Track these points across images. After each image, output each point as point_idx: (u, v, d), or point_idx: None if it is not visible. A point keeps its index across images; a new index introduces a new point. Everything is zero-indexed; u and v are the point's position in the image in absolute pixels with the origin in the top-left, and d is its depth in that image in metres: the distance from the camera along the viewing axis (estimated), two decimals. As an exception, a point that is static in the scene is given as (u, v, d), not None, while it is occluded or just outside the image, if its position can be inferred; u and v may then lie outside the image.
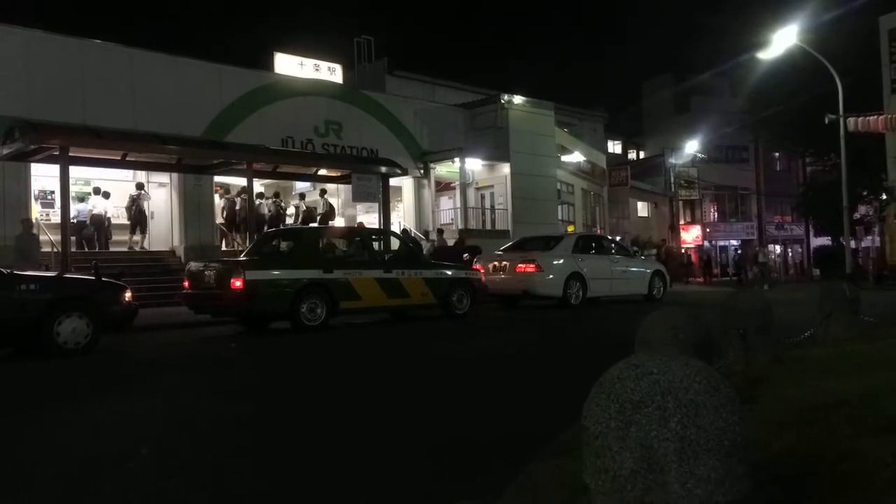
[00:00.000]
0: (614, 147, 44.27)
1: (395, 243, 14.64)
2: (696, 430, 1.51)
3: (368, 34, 27.94)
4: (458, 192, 24.06)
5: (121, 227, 17.94)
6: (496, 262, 14.50)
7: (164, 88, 17.85)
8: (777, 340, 5.44)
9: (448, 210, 25.16)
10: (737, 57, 30.46)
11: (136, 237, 17.60)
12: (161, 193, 18.97)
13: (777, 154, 44.52)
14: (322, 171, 18.81)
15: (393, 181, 19.90)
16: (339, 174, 19.00)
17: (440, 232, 20.64)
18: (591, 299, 14.44)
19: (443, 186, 25.06)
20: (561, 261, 14.21)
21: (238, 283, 9.83)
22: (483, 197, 25.81)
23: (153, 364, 7.81)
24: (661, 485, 1.51)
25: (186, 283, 10.90)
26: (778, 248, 45.59)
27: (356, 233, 14.10)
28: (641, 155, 46.42)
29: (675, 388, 1.56)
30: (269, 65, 22.09)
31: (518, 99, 25.25)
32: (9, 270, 7.85)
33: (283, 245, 12.07)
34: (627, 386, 1.60)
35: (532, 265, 13.91)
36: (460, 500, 2.75)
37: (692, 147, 39.35)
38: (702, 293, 20.75)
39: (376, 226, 19.26)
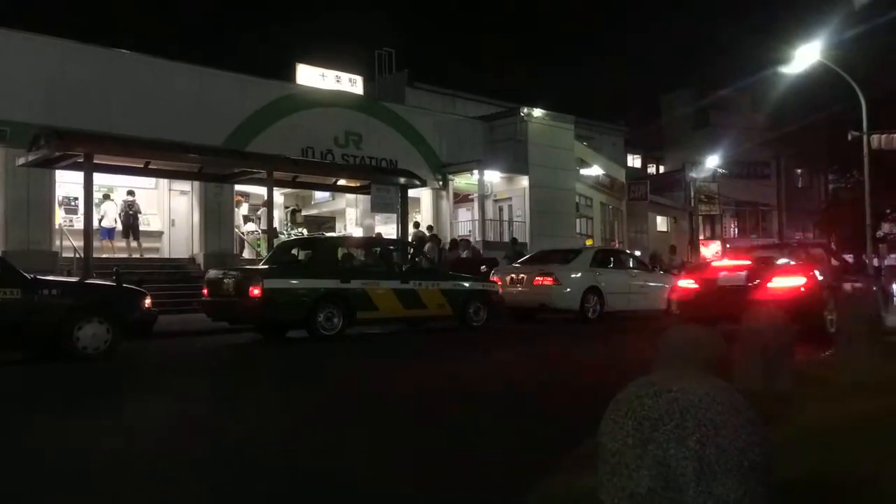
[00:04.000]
0: (634, 161, 44.09)
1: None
2: (715, 450, 1.49)
3: (390, 46, 28.08)
4: (476, 204, 24.08)
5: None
6: (514, 275, 14.39)
7: (188, 98, 18.07)
8: (799, 360, 5.37)
9: (466, 222, 25.16)
10: (758, 72, 30.28)
11: (133, 243, 17.58)
12: (182, 201, 19.16)
13: (799, 170, 44.11)
14: (341, 182, 18.92)
15: (411, 192, 19.94)
16: (358, 185, 19.08)
17: (466, 243, 20.46)
18: (608, 314, 14.28)
19: (461, 198, 25.09)
20: (579, 274, 14.05)
21: (256, 292, 9.88)
22: (501, 209, 25.81)
23: (170, 370, 7.87)
24: (679, 504, 1.49)
25: (205, 291, 11.00)
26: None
27: (374, 243, 14.08)
28: (661, 169, 46.18)
29: (695, 407, 1.55)
30: (291, 76, 22.30)
31: (538, 112, 25.26)
32: (32, 275, 7.95)
33: (302, 254, 12.10)
34: (646, 403, 1.59)
35: (550, 278, 13.75)
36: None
37: (713, 162, 39.08)
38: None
39: (394, 237, 19.32)
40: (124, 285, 8.88)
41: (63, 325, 7.75)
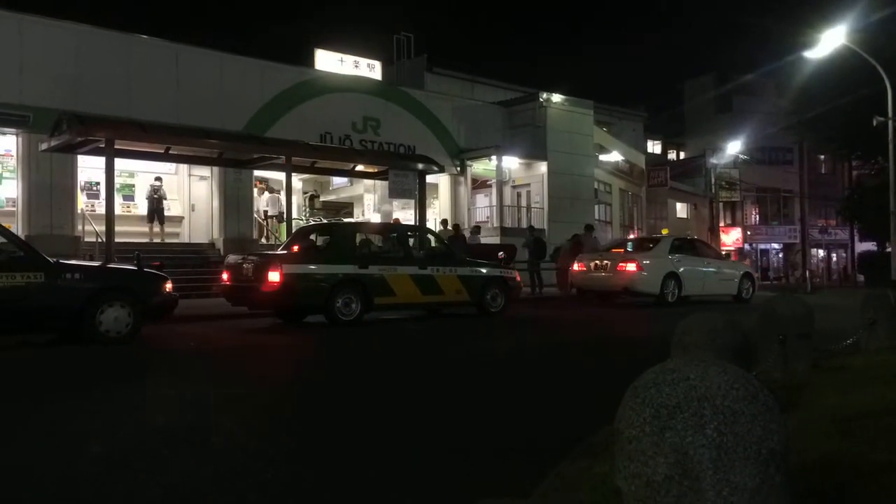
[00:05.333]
0: (654, 147, 43.70)
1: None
2: (732, 438, 1.49)
3: (408, 31, 27.97)
4: (494, 190, 24.02)
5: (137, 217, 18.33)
6: (598, 261, 15.49)
7: (208, 84, 18.16)
8: (817, 347, 5.33)
9: (484, 208, 25.12)
10: (782, 57, 29.84)
11: (156, 228, 17.89)
12: (202, 187, 19.30)
13: (822, 156, 43.48)
14: (359, 167, 18.94)
15: (429, 178, 19.92)
16: (376, 170, 19.11)
17: (476, 230, 20.60)
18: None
19: (479, 184, 25.04)
20: (659, 261, 15.16)
21: (275, 277, 9.98)
22: (519, 195, 25.72)
23: (189, 354, 7.97)
24: (696, 492, 1.50)
25: (225, 276, 11.12)
26: (821, 253, 44.58)
27: (392, 229, 14.15)
28: (682, 155, 45.77)
29: (713, 395, 1.55)
30: (310, 61, 22.30)
31: (557, 97, 25.09)
32: (55, 259, 8.06)
33: (320, 240, 12.21)
34: (663, 391, 1.59)
35: (633, 264, 14.87)
36: (486, 498, 2.75)
37: (734, 148, 38.63)
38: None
39: (412, 223, 19.35)
40: (145, 269, 8.98)
41: (85, 308, 7.87)
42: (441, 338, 9.85)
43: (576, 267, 15.85)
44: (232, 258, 11.40)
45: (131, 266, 9.11)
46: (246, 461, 3.45)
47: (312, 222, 20.26)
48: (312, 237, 12.47)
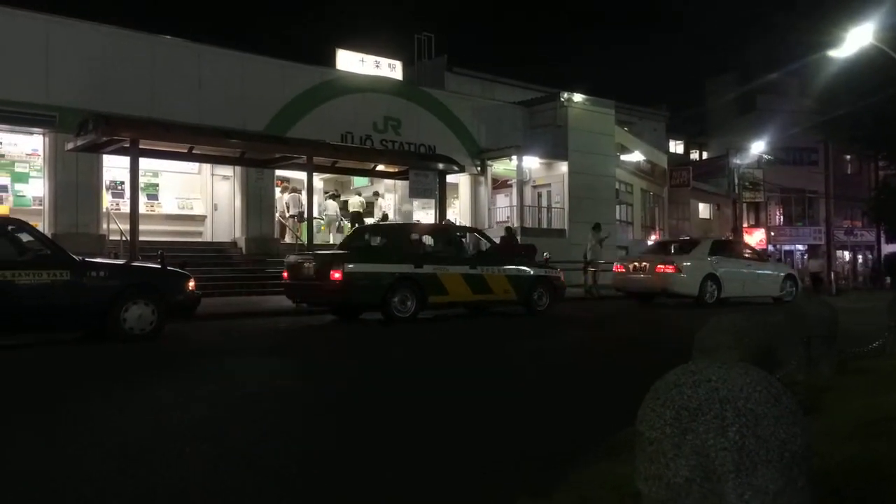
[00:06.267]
0: (676, 147, 43.35)
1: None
2: (755, 441, 1.48)
3: (429, 31, 27.99)
4: (514, 190, 23.97)
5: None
6: (637, 263, 15.79)
7: (230, 84, 18.31)
8: (842, 350, 5.26)
9: (504, 208, 25.08)
10: (806, 55, 29.44)
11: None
12: (224, 186, 19.47)
13: (848, 156, 42.83)
14: (380, 167, 19.00)
15: (450, 178, 19.95)
16: (396, 170, 19.16)
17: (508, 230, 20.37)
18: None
19: (499, 184, 25.00)
20: (697, 263, 15.38)
21: (337, 275, 10.56)
22: (540, 195, 25.65)
23: (214, 350, 8.06)
24: (717, 495, 1.49)
25: (286, 274, 11.78)
26: (847, 255, 43.94)
27: (444, 229, 14.70)
28: (704, 155, 45.34)
29: (735, 397, 1.53)
30: (331, 61, 22.42)
31: (577, 97, 24.99)
32: (80, 257, 8.18)
33: (376, 240, 12.60)
34: (685, 392, 1.58)
35: (671, 266, 15.13)
36: (514, 499, 2.75)
37: (758, 148, 38.18)
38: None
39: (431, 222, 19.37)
40: (168, 268, 9.08)
41: (111, 306, 7.98)
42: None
43: (614, 268, 16.34)
44: (292, 258, 12.13)
45: (154, 264, 9.22)
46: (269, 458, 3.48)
47: (329, 221, 20.41)
48: (367, 237, 12.96)
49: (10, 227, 8.07)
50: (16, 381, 6.08)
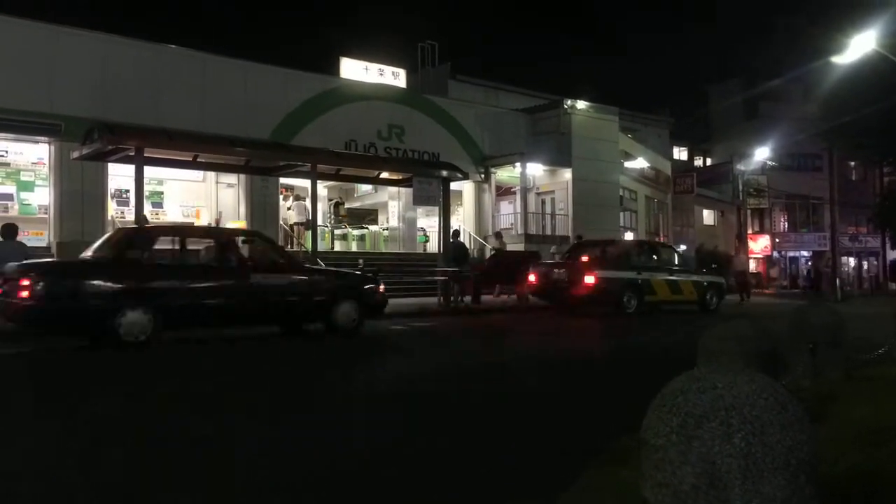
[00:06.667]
0: (680, 153, 43.29)
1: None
2: (761, 448, 1.47)
3: (433, 39, 28.06)
4: (518, 197, 23.97)
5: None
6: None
7: (234, 92, 18.38)
8: (848, 357, 5.24)
9: (508, 215, 25.08)
10: (810, 62, 29.41)
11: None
12: (229, 194, 19.51)
13: (853, 163, 42.72)
14: (384, 175, 19.02)
15: (453, 185, 19.95)
16: (400, 177, 19.16)
17: (498, 236, 20.56)
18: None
19: (503, 191, 25.01)
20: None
21: (591, 280, 13.90)
22: (543, 202, 25.65)
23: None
24: (724, 502, 1.48)
25: (534, 279, 14.92)
26: (852, 261, 43.77)
27: (651, 244, 19.02)
28: (708, 162, 45.27)
29: (740, 404, 1.53)
30: (335, 70, 22.48)
31: (581, 104, 25.00)
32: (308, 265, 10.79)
33: (600, 252, 15.70)
34: (690, 400, 1.58)
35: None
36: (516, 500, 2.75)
37: (762, 154, 38.10)
38: (770, 305, 20.28)
39: (436, 228, 19.42)
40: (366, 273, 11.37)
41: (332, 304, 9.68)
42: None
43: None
44: (540, 265, 15.64)
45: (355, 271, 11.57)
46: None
47: (337, 230, 20.45)
48: (591, 249, 16.05)
49: (251, 238, 10.62)
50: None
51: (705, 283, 16.09)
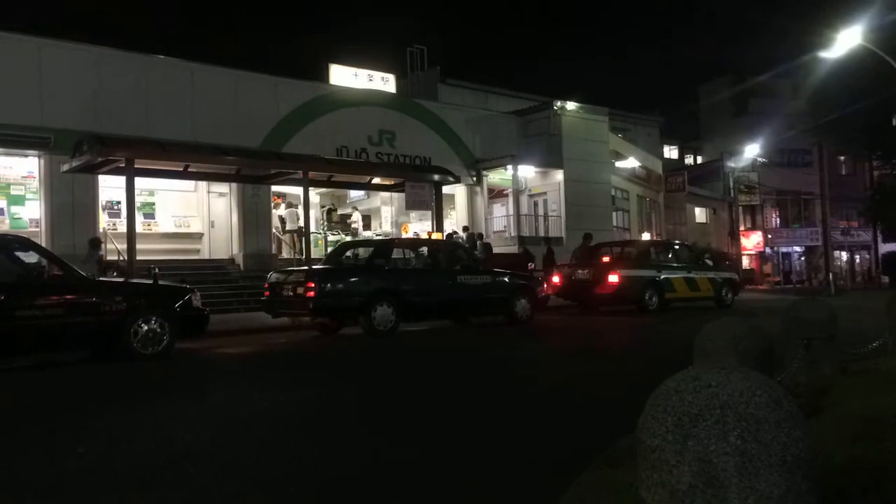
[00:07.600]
0: (670, 152, 43.44)
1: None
2: (757, 445, 1.48)
3: (421, 44, 28.14)
4: (510, 199, 24.00)
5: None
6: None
7: (224, 101, 18.35)
8: (843, 351, 5.26)
9: (501, 217, 25.10)
10: (797, 57, 29.57)
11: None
12: (221, 203, 19.47)
13: (842, 157, 42.93)
14: (376, 180, 19.02)
15: (446, 189, 19.97)
16: (392, 182, 19.19)
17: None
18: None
19: (496, 194, 25.03)
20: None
21: (614, 279, 14.62)
22: (536, 204, 25.68)
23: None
24: (721, 500, 1.48)
25: (558, 281, 15.60)
26: (844, 255, 43.97)
27: (668, 244, 19.42)
28: (699, 160, 45.46)
29: (735, 402, 1.53)
30: (324, 76, 22.48)
31: (571, 105, 25.05)
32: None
33: (622, 252, 16.41)
34: (685, 398, 1.58)
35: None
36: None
37: (752, 151, 38.28)
38: (765, 300, 20.42)
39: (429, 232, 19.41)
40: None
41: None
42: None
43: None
44: (562, 266, 16.43)
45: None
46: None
47: (329, 236, 20.41)
48: (613, 250, 16.75)
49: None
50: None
51: (720, 280, 16.82)
